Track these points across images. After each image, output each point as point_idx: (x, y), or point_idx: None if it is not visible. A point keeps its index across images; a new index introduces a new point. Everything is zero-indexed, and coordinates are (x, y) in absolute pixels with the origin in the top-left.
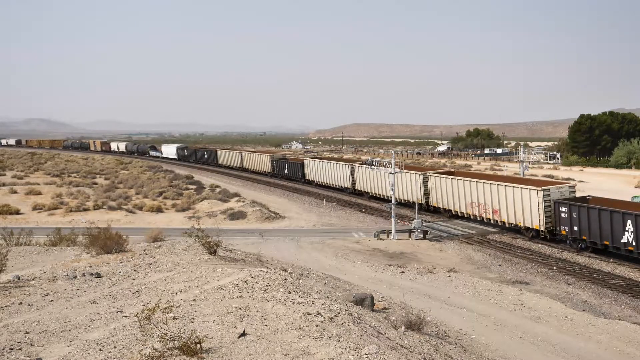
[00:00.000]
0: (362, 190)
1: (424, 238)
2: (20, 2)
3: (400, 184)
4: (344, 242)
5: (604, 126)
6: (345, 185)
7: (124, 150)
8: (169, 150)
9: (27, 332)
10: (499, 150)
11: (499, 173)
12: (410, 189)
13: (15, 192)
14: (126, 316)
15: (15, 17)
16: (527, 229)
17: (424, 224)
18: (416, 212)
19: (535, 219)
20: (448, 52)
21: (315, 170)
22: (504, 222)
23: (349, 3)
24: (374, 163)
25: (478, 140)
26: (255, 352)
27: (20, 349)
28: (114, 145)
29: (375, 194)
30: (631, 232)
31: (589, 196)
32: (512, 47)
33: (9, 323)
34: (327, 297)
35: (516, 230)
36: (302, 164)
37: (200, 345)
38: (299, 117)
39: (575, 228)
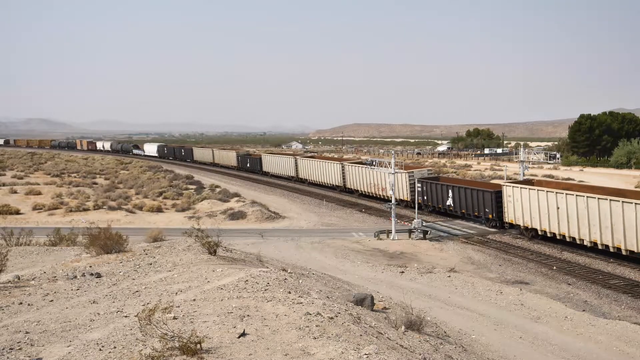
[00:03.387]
0: (303, 178)
1: (424, 238)
2: (20, 2)
3: (324, 171)
4: (344, 242)
5: (604, 126)
6: (291, 175)
7: (109, 149)
8: (151, 149)
9: (27, 332)
10: (499, 150)
11: (499, 173)
12: (332, 176)
13: (15, 192)
14: (126, 316)
15: (15, 17)
16: (401, 200)
17: (424, 224)
18: (416, 212)
19: (404, 194)
20: (448, 52)
21: (270, 163)
22: (388, 197)
23: (349, 3)
24: (374, 163)
25: (478, 140)
26: (255, 352)
27: (20, 349)
28: (99, 145)
29: (314, 180)
30: (450, 197)
31: (439, 175)
32: (512, 47)
33: (9, 323)
34: (327, 297)
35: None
36: (260, 159)
37: (200, 345)
38: (299, 117)
39: (425, 197)
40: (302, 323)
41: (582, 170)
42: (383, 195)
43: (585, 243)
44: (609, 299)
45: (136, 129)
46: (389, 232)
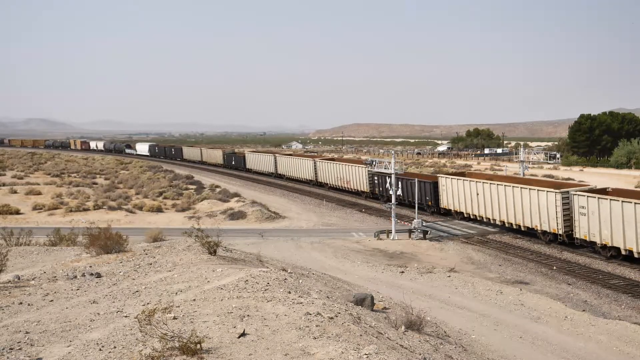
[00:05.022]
0: (282, 173)
1: (424, 238)
2: (20, 2)
3: (299, 167)
4: (344, 242)
5: (604, 126)
6: (271, 171)
7: (102, 149)
8: (142, 148)
9: (27, 332)
10: (499, 150)
11: (499, 173)
12: (306, 171)
13: (15, 192)
14: (126, 316)
15: (15, 17)
16: (362, 192)
17: (424, 224)
18: (416, 212)
19: (364, 186)
20: (448, 52)
21: (253, 161)
22: (352, 189)
23: (349, 3)
24: (374, 163)
25: (478, 140)
26: (255, 352)
27: (20, 349)
28: (92, 144)
29: (291, 176)
30: (400, 188)
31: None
32: (512, 47)
33: (9, 323)
34: (327, 297)
35: (357, 193)
36: (244, 157)
37: (200, 345)
38: (299, 117)
39: (380, 189)
40: (302, 323)
41: (582, 170)
42: (347, 188)
43: (497, 222)
44: (609, 299)
45: (136, 129)
46: (389, 232)
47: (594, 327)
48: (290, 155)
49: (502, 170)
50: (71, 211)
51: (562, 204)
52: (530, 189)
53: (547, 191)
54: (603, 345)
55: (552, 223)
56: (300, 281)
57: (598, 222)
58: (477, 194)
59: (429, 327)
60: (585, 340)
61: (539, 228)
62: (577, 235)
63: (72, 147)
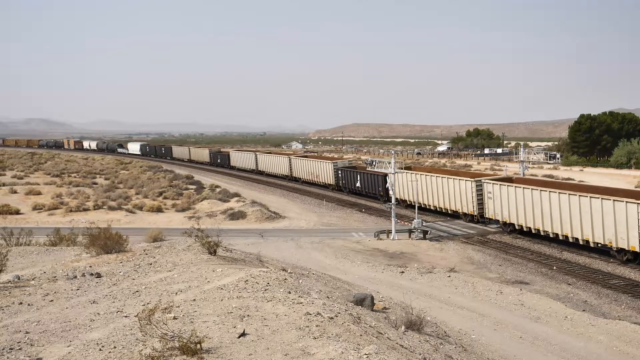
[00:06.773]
0: (262, 170)
1: (424, 238)
2: (20, 2)
3: (276, 163)
4: (344, 242)
5: (604, 126)
6: (252, 168)
7: (95, 148)
8: (134, 148)
9: (27, 332)
10: (499, 150)
11: (499, 173)
12: (282, 167)
13: (15, 192)
14: (126, 316)
15: (15, 17)
16: (329, 185)
17: (424, 224)
18: (416, 212)
19: (330, 179)
20: (448, 52)
21: (236, 159)
22: (320, 182)
23: (349, 3)
24: (374, 163)
25: (478, 140)
26: (255, 352)
27: (20, 349)
28: (85, 144)
29: (270, 172)
30: (359, 181)
31: (355, 165)
32: (512, 47)
33: (9, 323)
34: (327, 297)
35: (325, 186)
36: (229, 155)
37: (200, 345)
38: (299, 117)
39: (344, 182)
40: (302, 323)
41: (582, 170)
42: (317, 182)
43: (431, 208)
44: (609, 299)
45: (136, 129)
46: (389, 232)
47: (594, 327)
48: (268, 153)
49: (502, 170)
50: (71, 211)
51: (476, 190)
52: (453, 179)
53: (465, 180)
54: (603, 345)
55: (470, 206)
56: (300, 281)
57: (500, 204)
58: (416, 184)
59: (429, 327)
60: (585, 340)
61: (460, 210)
62: (487, 215)
63: (66, 146)
